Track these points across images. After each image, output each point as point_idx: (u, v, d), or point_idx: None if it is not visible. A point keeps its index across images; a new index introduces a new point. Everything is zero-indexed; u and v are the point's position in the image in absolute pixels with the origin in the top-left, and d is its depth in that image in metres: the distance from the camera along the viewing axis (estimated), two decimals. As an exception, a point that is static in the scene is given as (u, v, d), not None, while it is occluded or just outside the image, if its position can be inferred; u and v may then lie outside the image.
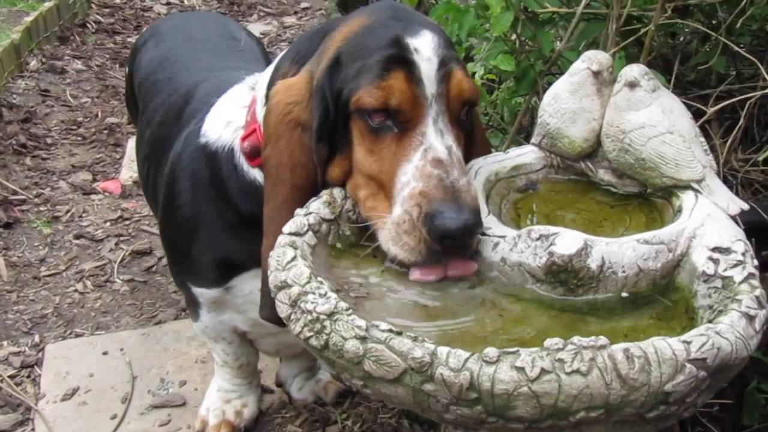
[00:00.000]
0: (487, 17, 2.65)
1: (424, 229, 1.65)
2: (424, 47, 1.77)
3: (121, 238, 4.20)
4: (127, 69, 3.41)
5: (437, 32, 1.84)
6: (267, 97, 1.99)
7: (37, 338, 3.39)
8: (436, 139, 1.74)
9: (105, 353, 3.26)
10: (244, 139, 2.11)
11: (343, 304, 1.47)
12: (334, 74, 1.83)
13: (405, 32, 1.79)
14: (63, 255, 4.05)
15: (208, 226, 2.26)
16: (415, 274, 1.70)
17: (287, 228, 1.71)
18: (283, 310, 1.56)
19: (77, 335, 3.42)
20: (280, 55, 2.11)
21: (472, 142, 1.99)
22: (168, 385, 3.06)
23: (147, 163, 2.73)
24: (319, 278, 1.55)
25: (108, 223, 4.35)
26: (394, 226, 1.71)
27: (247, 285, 2.28)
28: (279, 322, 1.73)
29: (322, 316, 1.46)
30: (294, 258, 1.61)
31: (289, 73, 1.96)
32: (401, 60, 1.76)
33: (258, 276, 2.20)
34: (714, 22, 2.69)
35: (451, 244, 1.66)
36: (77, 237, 4.22)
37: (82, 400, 3.00)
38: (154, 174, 2.61)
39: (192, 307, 2.54)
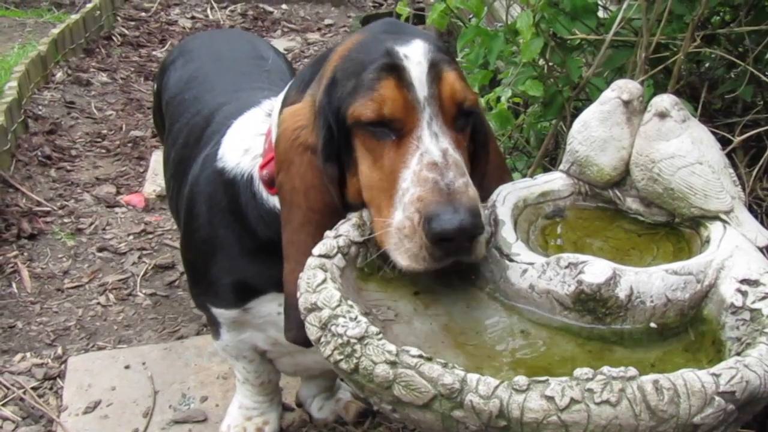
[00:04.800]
0: (516, 42, 2.67)
1: (423, 233, 1.66)
2: (414, 53, 1.79)
3: (144, 252, 4.23)
4: (155, 86, 3.43)
5: (429, 40, 1.86)
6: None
7: (59, 350, 3.42)
8: (431, 142, 1.75)
9: (127, 367, 3.28)
10: (262, 167, 2.13)
11: (373, 329, 1.48)
12: (332, 93, 1.85)
13: (395, 43, 1.81)
14: (86, 267, 4.09)
15: (226, 250, 2.27)
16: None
17: (317, 250, 1.72)
18: (312, 332, 1.57)
19: (99, 348, 3.45)
20: (288, 85, 2.14)
21: (486, 153, 2.01)
22: (189, 400, 3.08)
23: (172, 183, 2.76)
24: (350, 301, 1.56)
25: (131, 237, 4.38)
26: (396, 232, 1.72)
27: (265, 307, 2.30)
28: (305, 343, 1.74)
29: (352, 340, 1.47)
30: (324, 281, 1.62)
31: (296, 101, 1.99)
32: (391, 68, 1.78)
33: (275, 299, 2.22)
34: (740, 49, 2.70)
35: (449, 246, 1.66)
36: (100, 250, 4.25)
37: (103, 413, 3.02)
38: (177, 194, 2.63)
39: (213, 326, 2.56)
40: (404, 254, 1.70)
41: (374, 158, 1.81)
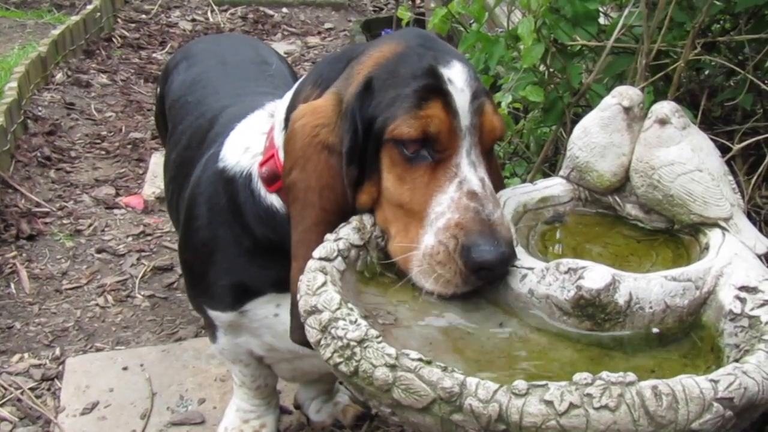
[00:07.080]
0: (517, 47, 2.68)
1: (460, 261, 1.67)
2: (457, 78, 1.79)
3: (143, 254, 4.23)
4: (158, 90, 3.42)
5: (465, 63, 1.87)
6: (287, 121, 1.99)
7: (57, 351, 3.42)
8: (470, 171, 1.76)
9: (125, 368, 3.28)
10: (262, 164, 2.12)
11: (373, 332, 1.48)
12: (365, 99, 1.83)
13: (438, 62, 1.81)
14: (85, 269, 4.09)
15: (224, 251, 2.26)
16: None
17: (317, 253, 1.72)
18: (312, 335, 1.57)
19: (98, 349, 3.45)
20: (300, 80, 2.12)
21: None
22: (187, 402, 3.08)
23: (171, 186, 2.75)
24: (350, 304, 1.57)
25: (130, 238, 4.38)
26: (426, 258, 1.72)
27: (262, 310, 2.29)
28: (310, 345, 1.74)
29: (352, 343, 1.47)
30: (324, 283, 1.62)
31: (311, 97, 1.96)
32: (437, 90, 1.77)
33: (272, 301, 2.22)
34: (740, 58, 2.71)
35: (486, 275, 1.69)
36: (99, 251, 4.25)
37: (101, 415, 3.02)
38: (177, 197, 2.62)
39: (209, 329, 2.55)
40: (434, 280, 1.71)
41: (403, 177, 1.80)
